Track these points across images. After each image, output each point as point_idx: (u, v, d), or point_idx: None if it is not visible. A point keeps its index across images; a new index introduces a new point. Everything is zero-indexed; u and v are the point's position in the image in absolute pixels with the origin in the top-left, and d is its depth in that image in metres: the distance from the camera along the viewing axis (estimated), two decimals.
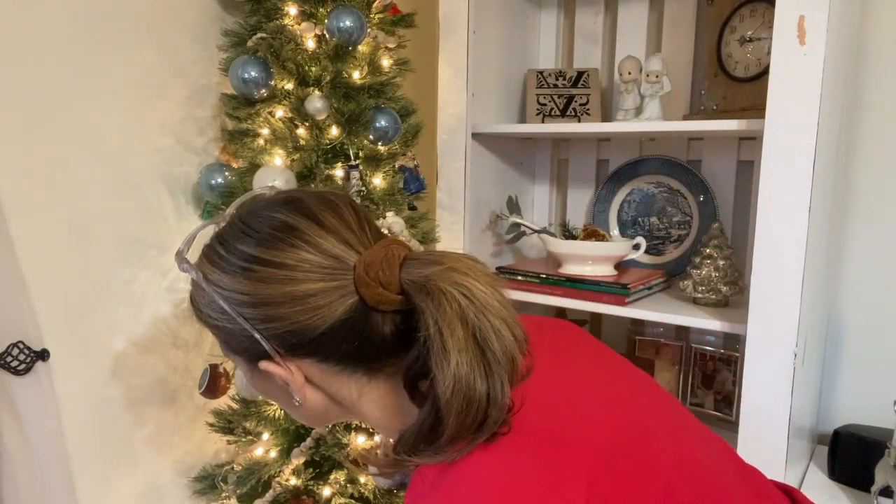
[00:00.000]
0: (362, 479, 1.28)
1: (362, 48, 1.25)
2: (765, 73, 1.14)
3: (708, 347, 1.43)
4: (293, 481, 1.26)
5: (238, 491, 1.25)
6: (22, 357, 1.09)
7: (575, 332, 0.74)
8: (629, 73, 1.30)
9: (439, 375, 0.51)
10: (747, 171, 1.38)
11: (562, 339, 0.70)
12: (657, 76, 1.25)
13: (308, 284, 0.56)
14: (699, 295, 1.23)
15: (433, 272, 0.55)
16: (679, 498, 0.55)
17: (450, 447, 0.52)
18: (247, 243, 0.58)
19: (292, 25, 1.22)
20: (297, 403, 0.64)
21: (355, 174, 1.24)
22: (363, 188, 1.25)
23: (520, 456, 0.51)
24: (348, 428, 1.25)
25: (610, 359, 0.69)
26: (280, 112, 1.24)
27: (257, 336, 0.58)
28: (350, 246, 0.58)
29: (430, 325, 0.53)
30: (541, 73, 1.48)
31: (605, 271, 1.34)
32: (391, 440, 0.69)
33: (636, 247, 1.36)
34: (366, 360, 0.61)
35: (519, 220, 1.47)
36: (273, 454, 1.27)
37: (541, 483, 0.50)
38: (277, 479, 1.25)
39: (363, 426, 1.24)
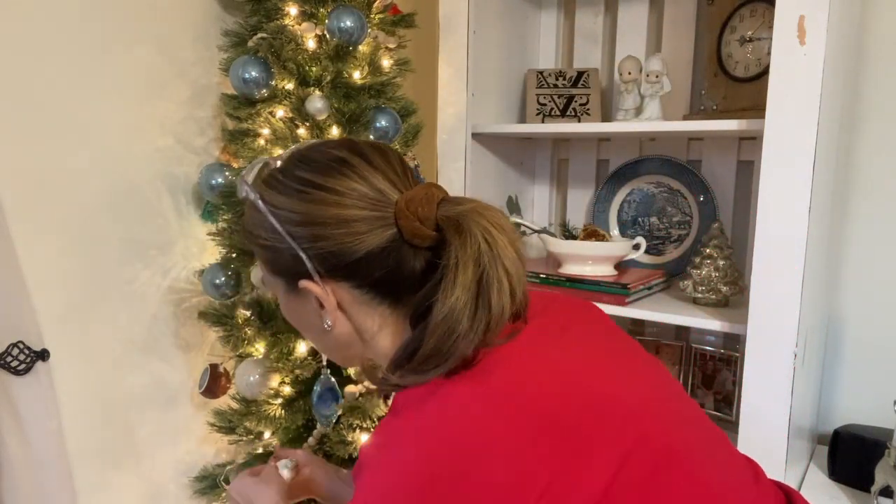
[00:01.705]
0: None
1: (363, 48, 1.25)
2: (765, 73, 1.14)
3: (708, 347, 1.43)
4: None
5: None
6: (22, 357, 1.09)
7: (583, 308, 0.75)
8: (629, 73, 1.30)
9: (440, 302, 0.58)
10: (747, 171, 1.39)
11: (567, 311, 0.72)
12: (657, 76, 1.25)
13: (354, 210, 0.63)
14: (699, 295, 1.23)
15: (466, 209, 0.61)
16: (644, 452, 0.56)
17: (421, 368, 0.58)
18: (304, 170, 0.65)
19: (293, 25, 1.22)
20: (327, 327, 0.68)
21: None
22: None
23: (476, 390, 0.56)
24: (352, 427, 1.25)
25: (611, 336, 0.71)
26: (280, 112, 1.24)
27: (302, 255, 0.64)
28: (394, 185, 0.65)
29: (451, 258, 0.59)
30: (541, 73, 1.48)
31: (605, 271, 1.34)
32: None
33: (636, 247, 1.36)
34: (393, 292, 0.67)
35: (519, 220, 1.47)
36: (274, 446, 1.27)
37: (490, 418, 0.54)
38: None
39: (365, 426, 1.24)
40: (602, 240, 1.37)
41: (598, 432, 0.56)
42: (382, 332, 0.69)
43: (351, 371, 1.29)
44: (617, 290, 1.25)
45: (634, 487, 0.55)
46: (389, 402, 1.18)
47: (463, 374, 0.57)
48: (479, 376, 0.57)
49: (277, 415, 1.25)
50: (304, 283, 0.66)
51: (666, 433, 0.59)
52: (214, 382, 1.32)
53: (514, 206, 1.50)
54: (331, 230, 0.63)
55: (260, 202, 0.66)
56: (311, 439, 1.25)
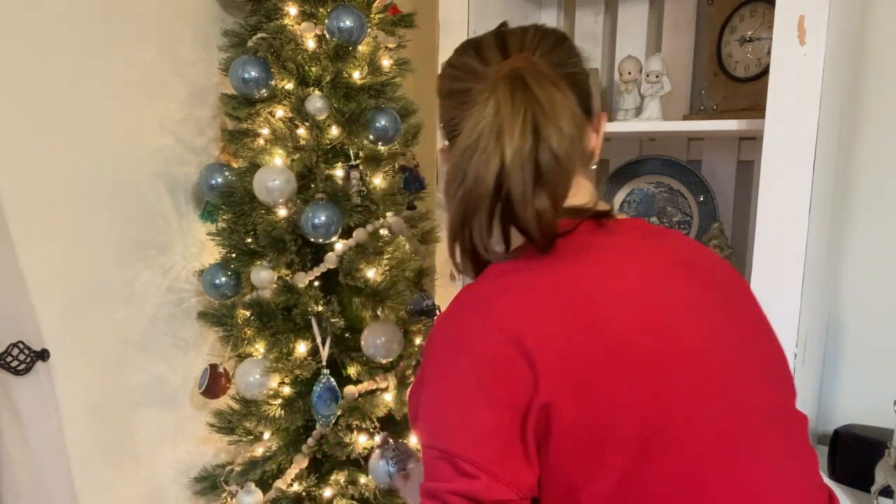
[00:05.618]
0: (362, 480, 1.28)
1: (362, 48, 1.25)
2: (765, 73, 1.14)
3: None
4: (294, 486, 1.26)
5: (240, 487, 1.25)
6: (22, 357, 1.09)
7: (720, 266, 0.70)
8: (629, 73, 1.30)
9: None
10: (747, 171, 1.38)
11: (699, 257, 0.68)
12: (657, 76, 1.25)
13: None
14: None
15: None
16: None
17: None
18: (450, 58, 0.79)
19: (292, 25, 1.22)
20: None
21: (355, 174, 1.24)
22: (363, 188, 1.25)
23: (530, 282, 0.61)
24: (350, 427, 1.25)
25: (730, 300, 0.67)
26: (280, 112, 1.24)
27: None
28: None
29: None
30: None
31: None
32: None
33: None
34: None
35: None
36: (274, 447, 1.27)
37: (521, 309, 0.59)
38: (279, 483, 1.24)
39: (364, 427, 1.24)
40: None
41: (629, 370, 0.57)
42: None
43: (351, 371, 1.28)
44: None
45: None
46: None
47: (542, 259, 0.61)
48: (547, 264, 0.61)
49: (277, 415, 1.25)
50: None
51: (705, 425, 0.57)
52: (214, 382, 1.32)
53: None
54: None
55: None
56: (310, 440, 1.25)
